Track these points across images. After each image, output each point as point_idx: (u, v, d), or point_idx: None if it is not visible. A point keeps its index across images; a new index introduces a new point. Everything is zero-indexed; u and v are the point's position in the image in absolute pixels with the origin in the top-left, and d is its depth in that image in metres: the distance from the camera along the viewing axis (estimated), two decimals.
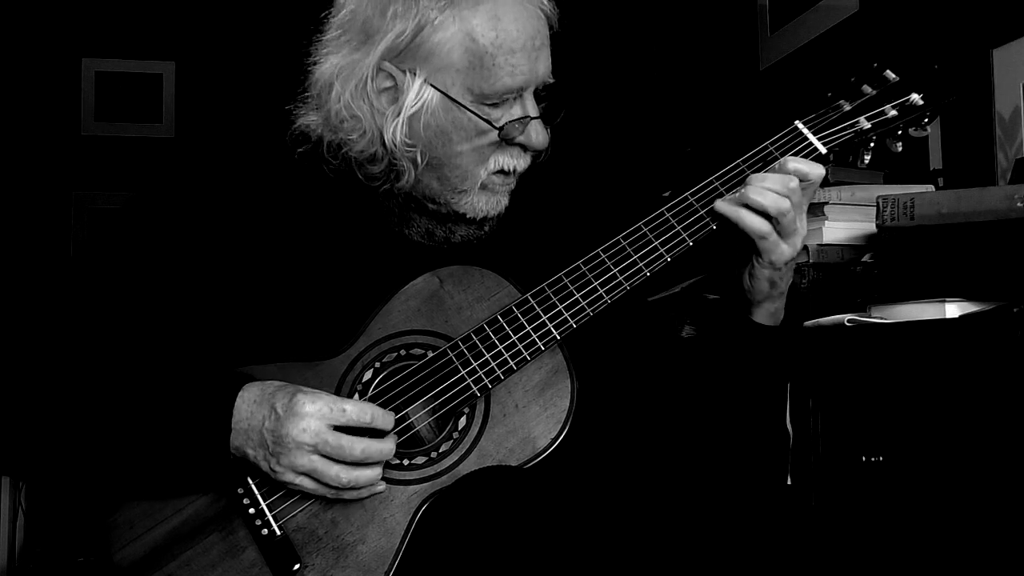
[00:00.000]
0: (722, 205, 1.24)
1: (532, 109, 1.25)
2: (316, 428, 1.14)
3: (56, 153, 4.02)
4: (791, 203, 1.21)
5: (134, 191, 1.38)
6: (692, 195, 1.27)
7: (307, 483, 1.16)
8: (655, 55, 3.54)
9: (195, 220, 1.29)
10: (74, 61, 4.07)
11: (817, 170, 1.24)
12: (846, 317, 1.51)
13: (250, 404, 1.16)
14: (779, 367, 1.33)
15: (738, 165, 1.27)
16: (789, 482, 1.58)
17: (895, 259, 1.55)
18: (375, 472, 1.17)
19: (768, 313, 1.30)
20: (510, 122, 1.23)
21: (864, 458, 1.46)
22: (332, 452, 1.14)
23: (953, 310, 1.42)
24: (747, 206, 1.22)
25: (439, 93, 1.21)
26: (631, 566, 1.33)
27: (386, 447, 1.17)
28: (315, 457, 1.14)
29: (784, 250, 1.24)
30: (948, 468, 1.34)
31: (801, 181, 1.23)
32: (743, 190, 1.23)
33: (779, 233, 1.23)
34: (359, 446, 1.15)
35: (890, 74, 1.30)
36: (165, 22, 4.11)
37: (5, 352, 1.25)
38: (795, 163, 1.24)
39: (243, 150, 1.36)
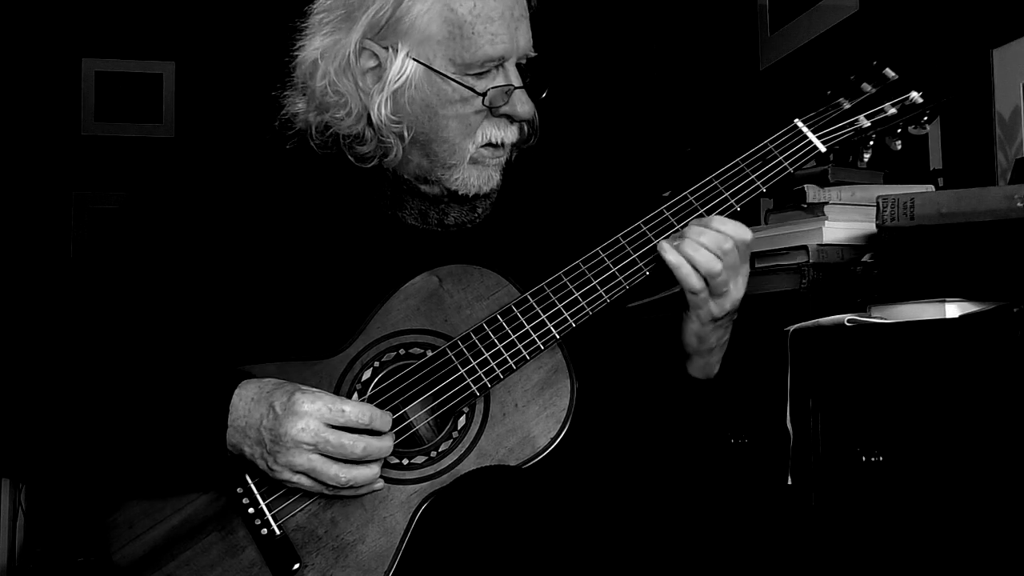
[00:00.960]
0: (668, 252, 1.21)
1: (515, 79, 1.25)
2: (315, 428, 1.13)
3: (56, 153, 4.02)
4: (723, 265, 1.20)
5: (131, 190, 1.38)
6: (691, 194, 1.26)
7: (305, 481, 1.16)
8: (655, 55, 3.54)
9: (191, 217, 1.29)
10: (74, 61, 4.08)
11: (742, 234, 1.21)
12: (846, 317, 1.51)
13: (247, 402, 1.16)
14: (711, 411, 1.34)
15: (737, 164, 1.27)
16: (790, 482, 1.58)
17: (895, 259, 1.55)
18: (374, 471, 1.17)
19: (699, 367, 1.31)
20: (493, 89, 1.23)
21: (864, 458, 1.46)
22: (333, 451, 1.14)
23: (953, 310, 1.42)
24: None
25: (422, 66, 1.22)
26: (631, 566, 1.33)
27: (384, 444, 1.17)
28: (314, 456, 1.14)
29: (711, 309, 1.23)
30: (948, 468, 1.34)
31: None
32: (680, 240, 1.21)
33: (710, 291, 1.22)
34: (360, 444, 1.15)
35: (890, 72, 1.30)
36: (165, 22, 4.11)
37: (3, 351, 1.25)
38: (719, 223, 1.22)
39: (237, 146, 1.36)
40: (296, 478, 1.16)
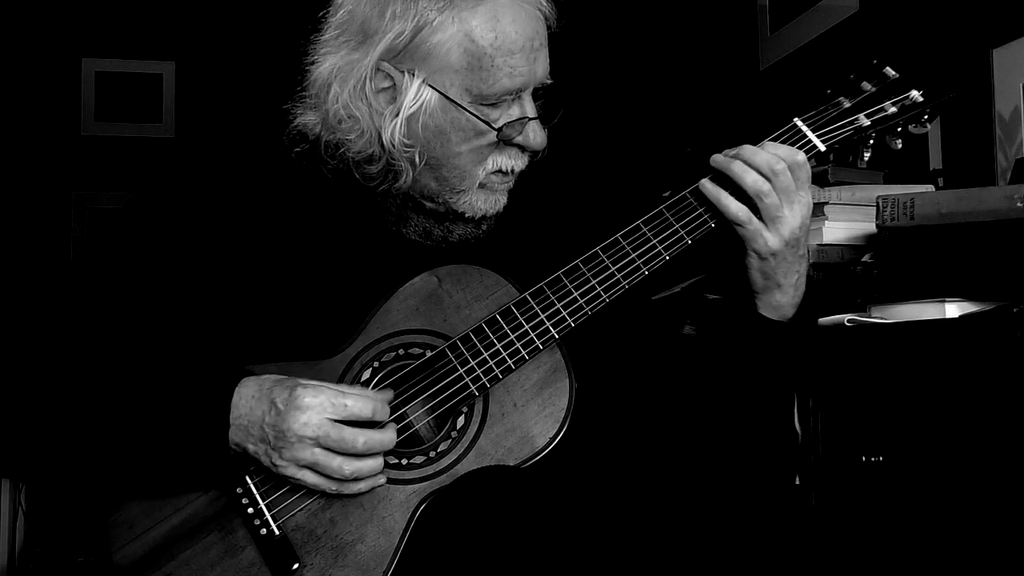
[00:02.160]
0: (707, 185, 1.24)
1: (530, 110, 1.25)
2: (318, 421, 1.14)
3: (56, 153, 4.02)
4: (772, 187, 1.21)
5: (134, 191, 1.38)
6: (691, 194, 1.27)
7: (309, 476, 1.16)
8: (655, 55, 3.54)
9: (194, 220, 1.29)
10: (74, 61, 4.07)
11: (794, 155, 1.23)
12: (846, 317, 1.51)
13: (248, 399, 1.16)
14: (782, 362, 1.31)
15: None
16: (797, 482, 1.57)
17: (895, 259, 1.55)
18: (377, 462, 1.17)
19: (771, 306, 1.29)
20: (509, 123, 1.23)
21: (864, 458, 1.46)
22: (334, 445, 1.14)
23: (953, 310, 1.42)
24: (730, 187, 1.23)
25: (438, 94, 1.21)
26: (630, 566, 1.33)
27: (387, 437, 1.17)
28: (317, 450, 1.14)
29: (768, 239, 1.23)
30: (948, 468, 1.34)
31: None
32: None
33: (762, 220, 1.22)
34: (361, 438, 1.15)
35: (890, 71, 1.30)
36: (165, 22, 4.11)
37: (4, 351, 1.25)
38: (772, 147, 1.24)
39: (242, 150, 1.36)
40: (300, 473, 1.16)
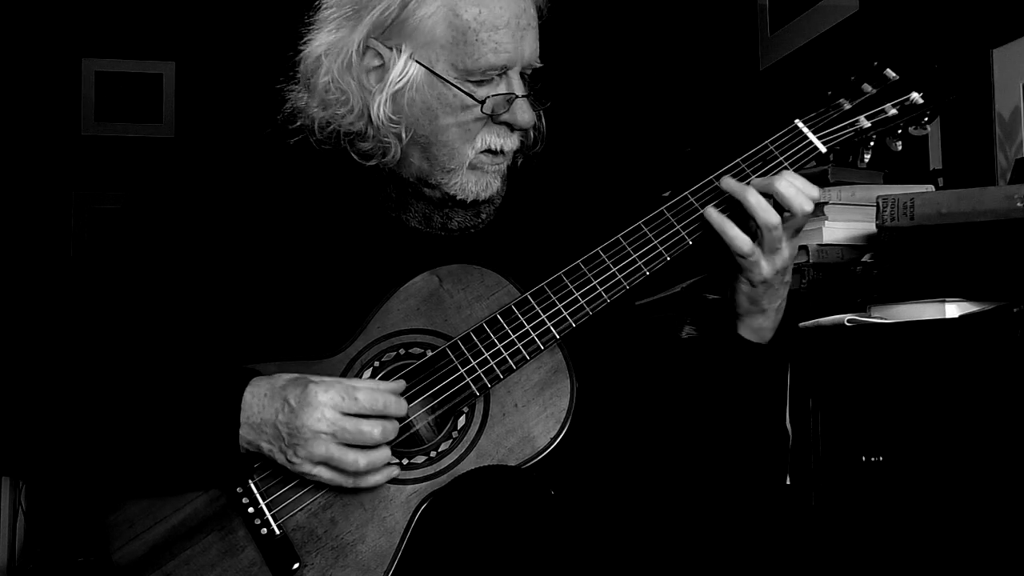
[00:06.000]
0: (712, 213, 1.23)
1: (518, 88, 1.25)
2: (332, 417, 1.14)
3: (56, 153, 4.02)
4: (782, 221, 1.21)
5: (133, 190, 1.38)
6: (691, 194, 1.27)
7: (324, 472, 1.16)
8: (655, 55, 3.54)
9: (193, 216, 1.29)
10: (74, 61, 4.08)
11: (814, 192, 1.22)
12: (846, 317, 1.51)
13: (260, 398, 1.16)
14: (765, 381, 1.32)
15: (737, 164, 1.27)
16: (788, 482, 1.57)
17: (895, 259, 1.55)
18: (386, 452, 1.17)
19: (751, 329, 1.29)
20: (494, 96, 1.23)
21: (864, 458, 1.46)
22: (351, 438, 1.14)
23: (953, 310, 1.42)
24: (734, 219, 1.22)
25: (424, 69, 1.23)
26: (630, 566, 1.33)
27: (391, 425, 1.17)
28: (332, 445, 1.14)
29: (763, 268, 1.23)
30: (948, 468, 1.34)
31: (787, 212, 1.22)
32: (744, 190, 1.22)
33: (761, 248, 1.22)
34: (377, 430, 1.15)
35: (890, 73, 1.30)
36: (165, 22, 4.11)
37: (7, 352, 1.25)
38: (792, 178, 1.22)
39: (239, 143, 1.36)
40: (316, 470, 1.16)
